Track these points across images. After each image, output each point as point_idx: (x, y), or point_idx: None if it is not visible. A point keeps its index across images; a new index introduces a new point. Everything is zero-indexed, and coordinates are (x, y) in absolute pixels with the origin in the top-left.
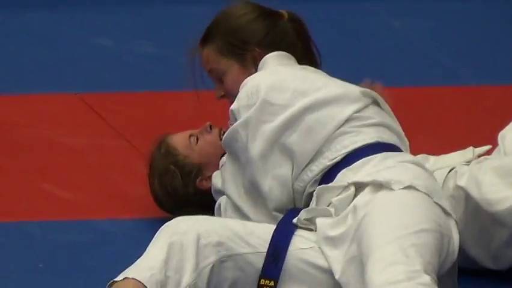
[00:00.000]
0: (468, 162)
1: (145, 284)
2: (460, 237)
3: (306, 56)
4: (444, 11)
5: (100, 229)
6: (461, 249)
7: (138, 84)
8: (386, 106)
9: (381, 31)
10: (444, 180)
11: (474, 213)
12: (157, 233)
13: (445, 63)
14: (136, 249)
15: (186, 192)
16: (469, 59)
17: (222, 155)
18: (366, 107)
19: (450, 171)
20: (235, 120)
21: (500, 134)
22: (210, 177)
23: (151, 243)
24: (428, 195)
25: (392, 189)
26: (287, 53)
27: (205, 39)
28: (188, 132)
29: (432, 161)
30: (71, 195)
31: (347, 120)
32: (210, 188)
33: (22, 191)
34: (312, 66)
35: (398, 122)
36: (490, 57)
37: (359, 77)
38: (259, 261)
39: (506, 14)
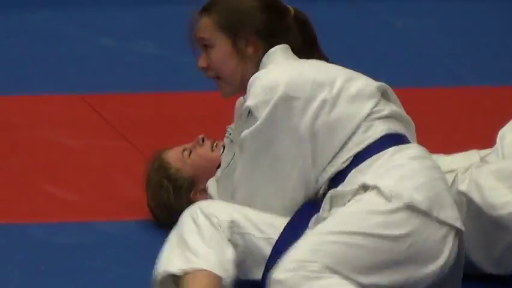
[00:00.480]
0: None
1: (214, 271)
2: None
3: (307, 57)
4: (445, 11)
5: (101, 231)
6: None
7: (140, 85)
8: (393, 95)
9: (382, 31)
10: (451, 184)
11: (476, 219)
12: (178, 226)
13: (446, 64)
14: (137, 250)
15: (180, 205)
16: (470, 60)
17: (218, 167)
18: (379, 100)
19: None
20: (247, 116)
21: (500, 133)
22: (203, 190)
23: (177, 232)
24: (426, 212)
25: (390, 201)
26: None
27: (208, 9)
28: (182, 146)
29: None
30: (73, 197)
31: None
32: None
33: (23, 193)
34: None
35: (403, 109)
36: (491, 57)
37: None
38: (267, 249)
39: (507, 14)
